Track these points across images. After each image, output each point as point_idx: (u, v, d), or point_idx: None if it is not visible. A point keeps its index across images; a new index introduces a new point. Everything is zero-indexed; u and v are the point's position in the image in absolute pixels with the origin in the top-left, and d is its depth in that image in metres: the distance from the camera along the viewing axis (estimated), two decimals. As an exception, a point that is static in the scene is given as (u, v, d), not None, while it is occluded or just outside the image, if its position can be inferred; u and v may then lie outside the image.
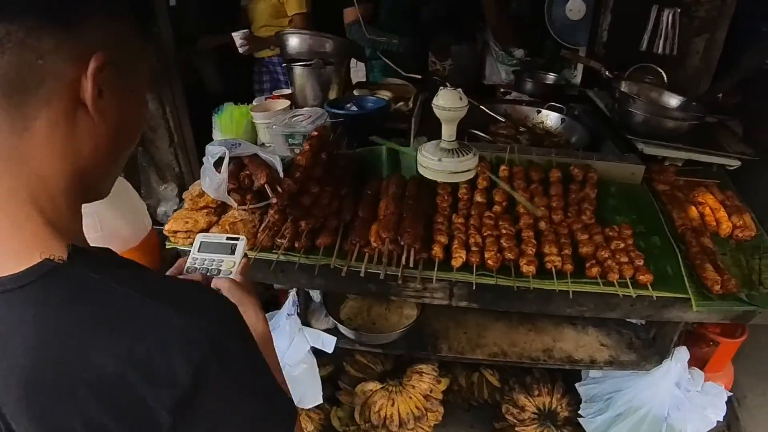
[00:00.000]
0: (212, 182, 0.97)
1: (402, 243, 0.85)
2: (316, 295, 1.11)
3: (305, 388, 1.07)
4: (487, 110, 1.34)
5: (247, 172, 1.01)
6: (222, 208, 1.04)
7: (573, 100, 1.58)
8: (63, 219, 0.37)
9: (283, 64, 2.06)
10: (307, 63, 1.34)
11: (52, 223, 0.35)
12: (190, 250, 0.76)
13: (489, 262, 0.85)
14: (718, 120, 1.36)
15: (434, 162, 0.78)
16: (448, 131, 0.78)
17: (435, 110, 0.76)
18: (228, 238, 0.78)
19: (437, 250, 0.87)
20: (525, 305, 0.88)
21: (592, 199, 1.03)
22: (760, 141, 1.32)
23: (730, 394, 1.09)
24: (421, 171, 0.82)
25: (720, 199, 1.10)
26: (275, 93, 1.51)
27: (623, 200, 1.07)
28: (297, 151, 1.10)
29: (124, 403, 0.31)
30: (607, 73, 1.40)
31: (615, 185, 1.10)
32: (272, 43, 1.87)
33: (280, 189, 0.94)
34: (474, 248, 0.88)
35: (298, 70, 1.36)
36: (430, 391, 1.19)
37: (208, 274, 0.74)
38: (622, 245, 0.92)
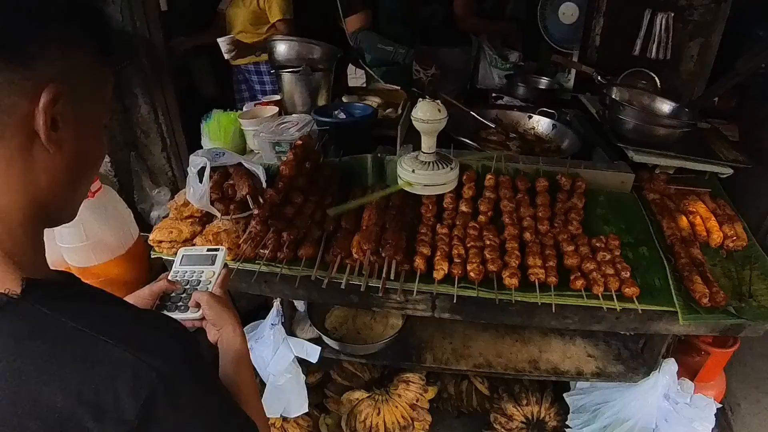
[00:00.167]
0: (195, 192, 0.96)
1: (383, 255, 0.84)
2: (300, 304, 1.11)
3: (290, 398, 1.07)
4: (477, 116, 1.33)
5: (231, 182, 1.00)
6: (207, 218, 1.03)
7: (566, 105, 1.56)
8: (22, 250, 0.37)
9: (257, 72, 2.05)
10: (296, 69, 1.34)
11: (9, 255, 0.36)
12: (174, 260, 0.76)
13: (471, 274, 0.84)
14: (711, 126, 1.35)
15: (410, 174, 0.77)
16: (427, 143, 0.77)
17: (413, 122, 0.75)
18: (209, 249, 0.78)
19: (419, 262, 0.86)
20: (508, 318, 0.87)
21: (579, 208, 1.02)
22: (756, 146, 1.30)
23: (720, 406, 1.08)
24: (400, 182, 0.81)
25: (711, 208, 1.08)
26: (264, 99, 1.50)
27: (612, 210, 1.06)
28: (284, 158, 1.10)
29: None
30: (599, 78, 1.39)
31: (604, 194, 1.09)
32: (259, 48, 1.85)
33: (262, 200, 0.93)
34: (457, 260, 0.87)
35: (287, 77, 1.36)
36: (417, 401, 1.18)
37: (188, 286, 0.74)
38: (608, 257, 0.91)
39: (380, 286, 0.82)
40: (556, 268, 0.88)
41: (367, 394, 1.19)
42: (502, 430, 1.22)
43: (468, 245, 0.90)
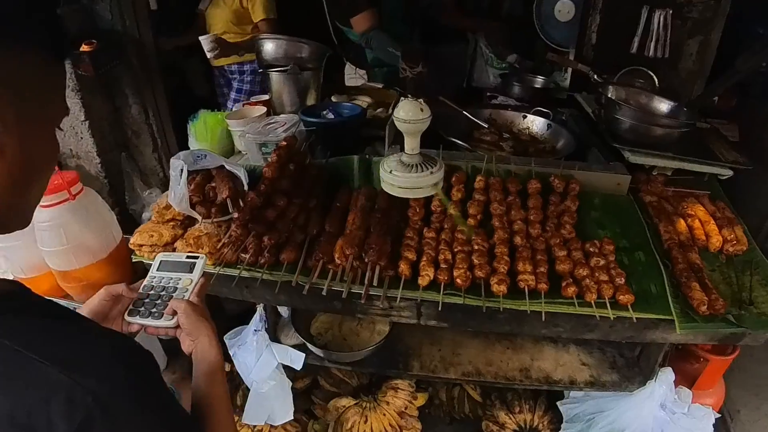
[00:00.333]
0: (175, 195, 0.93)
1: (366, 260, 0.81)
2: (284, 310, 1.08)
3: (275, 405, 1.04)
4: (469, 115, 1.29)
5: (213, 185, 0.97)
6: (189, 221, 1.01)
7: (562, 104, 1.53)
8: None
9: (240, 72, 1.99)
10: (284, 69, 1.31)
11: None
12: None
13: (458, 280, 0.81)
14: (710, 126, 1.31)
15: (392, 176, 0.74)
16: (410, 144, 0.73)
17: (395, 122, 0.72)
18: (188, 257, 0.76)
19: (404, 268, 0.83)
20: (497, 325, 0.84)
21: (572, 211, 0.98)
22: (757, 146, 1.26)
23: (718, 416, 1.05)
24: (383, 185, 0.78)
25: (711, 211, 1.05)
26: (253, 99, 1.47)
27: (607, 213, 1.02)
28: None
29: None
30: (595, 77, 1.35)
31: (599, 196, 1.05)
32: (242, 48, 1.81)
33: (243, 203, 0.90)
34: (443, 265, 0.84)
35: (275, 76, 1.33)
36: (406, 408, 1.15)
37: (164, 292, 0.71)
38: (602, 262, 0.87)
39: (363, 292, 0.79)
40: (547, 274, 0.84)
41: (354, 402, 1.16)
42: (495, 438, 1.19)
43: (455, 250, 0.87)
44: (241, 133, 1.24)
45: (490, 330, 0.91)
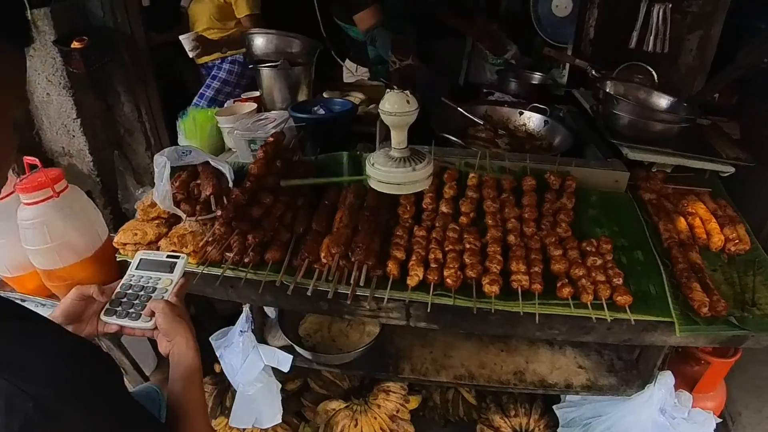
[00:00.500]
0: (159, 193, 0.91)
1: (353, 259, 0.78)
2: (271, 310, 1.05)
3: (262, 408, 1.01)
4: (464, 112, 1.26)
5: (198, 182, 0.95)
6: (174, 219, 0.98)
7: (559, 100, 1.50)
8: None
9: (219, 68, 1.94)
10: (274, 64, 1.28)
11: None
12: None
13: (448, 280, 0.78)
14: (711, 122, 1.27)
15: (378, 171, 0.71)
16: (397, 137, 0.71)
17: (381, 115, 0.69)
18: (168, 256, 0.73)
19: (392, 267, 0.80)
20: (489, 327, 0.81)
21: (569, 209, 0.95)
22: (758, 144, 1.23)
23: (720, 420, 1.01)
24: (369, 181, 0.75)
25: (712, 209, 1.01)
26: (243, 96, 1.45)
27: (604, 211, 0.99)
28: (258, 156, 1.04)
29: None
30: (593, 72, 1.32)
31: (596, 194, 1.02)
32: (225, 45, 1.78)
33: (227, 200, 0.88)
34: (433, 265, 0.81)
35: (265, 72, 1.30)
36: (397, 411, 1.12)
37: (142, 292, 0.69)
38: (599, 262, 0.84)
39: (349, 292, 0.76)
40: (542, 274, 0.81)
41: (345, 405, 1.13)
42: (490, 442, 1.16)
43: (446, 249, 0.84)
44: (230, 130, 1.21)
45: (482, 332, 0.88)
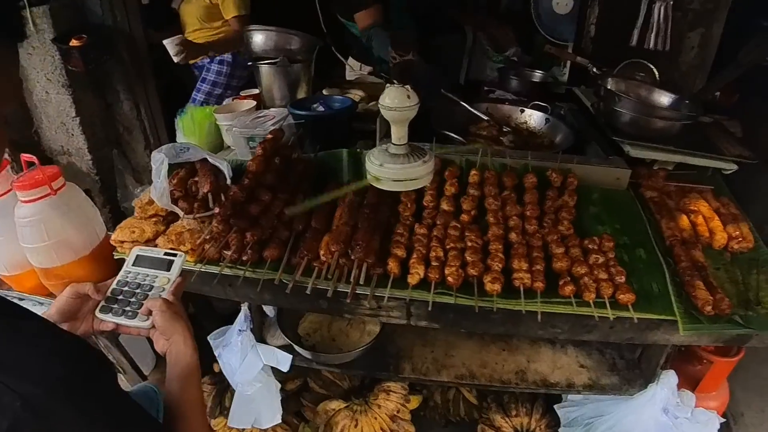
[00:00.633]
0: (156, 190, 0.90)
1: (353, 257, 0.77)
2: (270, 309, 1.04)
3: (261, 408, 1.00)
4: (470, 108, 1.24)
5: (196, 179, 0.94)
6: (172, 217, 0.97)
7: (560, 98, 1.49)
8: None
9: (205, 68, 1.92)
10: (273, 61, 1.27)
11: None
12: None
13: (449, 278, 0.77)
14: (713, 120, 1.27)
15: (378, 168, 0.70)
16: (397, 133, 0.70)
17: (381, 110, 0.68)
18: (166, 253, 0.72)
19: (393, 265, 0.79)
20: (491, 326, 0.80)
21: (570, 207, 0.94)
22: (760, 142, 1.22)
23: (723, 420, 1.00)
24: (368, 178, 0.74)
25: (714, 207, 1.01)
26: (242, 93, 1.44)
27: (606, 208, 0.98)
28: (256, 154, 1.03)
29: None
30: (594, 70, 1.31)
31: (598, 191, 1.01)
32: (211, 48, 1.75)
33: (225, 197, 0.87)
34: (434, 263, 0.80)
35: (264, 69, 1.29)
36: (398, 411, 1.11)
37: (139, 290, 0.68)
38: (601, 259, 0.83)
39: (349, 291, 0.75)
40: (544, 272, 0.80)
41: (345, 405, 1.12)
42: (491, 442, 1.15)
43: (447, 247, 0.83)
44: (228, 128, 1.20)
45: (483, 331, 0.87)
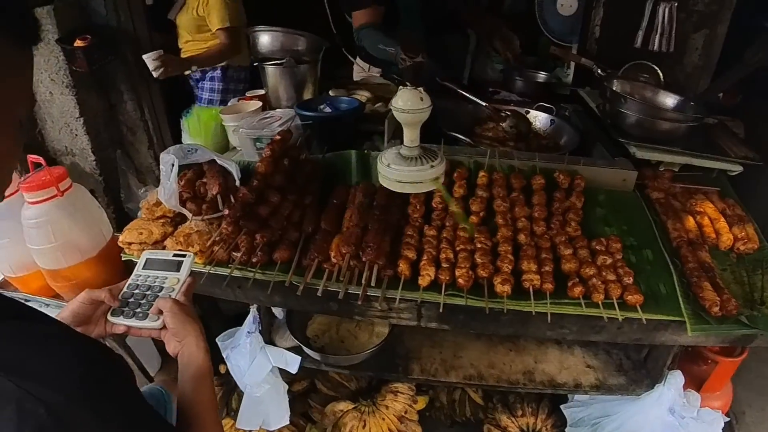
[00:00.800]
0: (165, 191, 0.90)
1: (364, 259, 0.77)
2: (279, 311, 1.04)
3: (269, 409, 1.00)
4: (469, 95, 1.21)
5: (204, 181, 0.94)
6: (180, 219, 0.97)
7: (565, 99, 1.50)
8: None
9: (198, 80, 1.90)
10: (279, 62, 1.27)
11: None
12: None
13: (460, 280, 0.78)
14: (718, 121, 1.27)
15: (390, 170, 0.70)
16: (409, 135, 0.70)
17: (393, 112, 0.68)
18: (175, 255, 0.72)
19: (403, 267, 0.79)
20: (500, 327, 0.80)
21: (578, 208, 0.95)
22: (762, 142, 1.23)
23: (727, 419, 1.01)
24: (380, 179, 0.74)
25: (720, 208, 1.01)
26: (248, 94, 1.44)
27: (613, 209, 0.99)
28: (264, 155, 1.03)
29: None
30: (599, 71, 1.32)
31: (604, 193, 1.02)
32: (193, 63, 1.69)
33: (234, 199, 0.87)
34: (444, 265, 0.80)
35: (270, 70, 1.29)
36: (405, 412, 1.11)
37: (149, 292, 0.68)
38: (609, 261, 0.84)
39: (360, 293, 0.75)
40: (553, 273, 0.81)
41: (353, 406, 1.12)
42: (497, 442, 1.15)
43: (457, 248, 0.83)
44: (235, 129, 1.20)
45: (493, 332, 0.88)
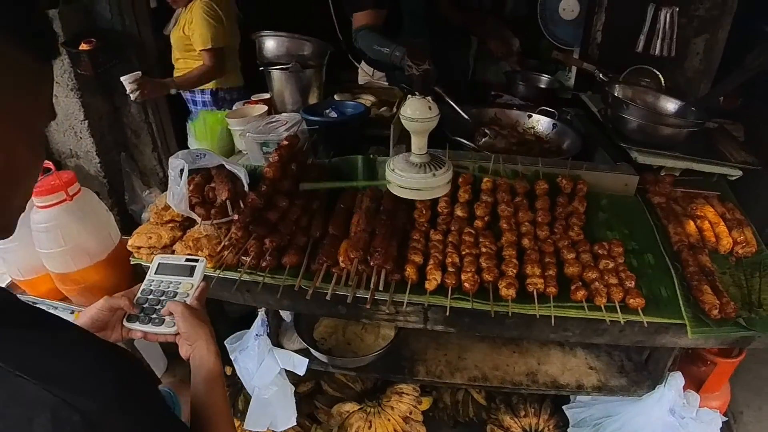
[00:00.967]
0: (174, 196, 0.91)
1: (372, 264, 0.79)
2: (287, 314, 1.06)
3: (277, 411, 1.02)
4: (455, 106, 1.15)
5: (213, 185, 0.95)
6: (188, 223, 0.98)
7: (566, 104, 1.51)
8: None
9: (192, 100, 1.86)
10: (285, 66, 1.28)
11: None
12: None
13: (466, 284, 0.79)
14: (718, 125, 1.29)
15: (399, 177, 0.72)
16: (417, 143, 0.71)
17: (402, 121, 0.69)
18: (187, 259, 0.74)
19: (410, 271, 0.81)
20: (505, 330, 0.82)
21: (580, 213, 0.96)
22: (762, 146, 1.25)
23: (725, 419, 1.03)
24: (389, 186, 0.76)
25: (720, 212, 1.03)
26: (254, 98, 1.45)
27: (615, 214, 1.01)
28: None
29: None
30: (601, 76, 1.33)
31: (606, 197, 1.04)
32: (174, 86, 1.63)
33: (243, 204, 0.88)
34: (450, 269, 0.82)
35: (276, 74, 1.30)
36: (410, 413, 1.13)
37: (163, 297, 0.69)
38: (611, 265, 0.85)
39: (368, 297, 0.77)
40: (556, 277, 0.82)
41: (358, 407, 1.14)
42: (500, 442, 1.17)
43: (463, 253, 0.85)
44: (241, 132, 1.21)
45: (498, 335, 0.90)
